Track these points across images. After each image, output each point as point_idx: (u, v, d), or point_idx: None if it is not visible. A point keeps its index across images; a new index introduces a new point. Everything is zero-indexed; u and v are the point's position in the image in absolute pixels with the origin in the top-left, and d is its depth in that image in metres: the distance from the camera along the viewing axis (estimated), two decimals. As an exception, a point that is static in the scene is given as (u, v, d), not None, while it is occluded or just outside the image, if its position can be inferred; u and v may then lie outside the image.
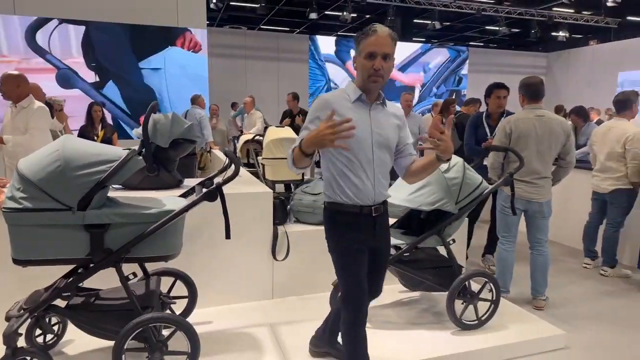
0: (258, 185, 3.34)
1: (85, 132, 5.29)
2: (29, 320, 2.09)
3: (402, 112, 2.10)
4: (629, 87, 13.17)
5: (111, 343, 2.31)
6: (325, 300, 2.92)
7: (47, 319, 2.34)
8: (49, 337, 2.40)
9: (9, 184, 1.95)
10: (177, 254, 2.18)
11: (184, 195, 2.49)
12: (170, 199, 2.31)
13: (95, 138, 5.28)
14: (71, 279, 2.11)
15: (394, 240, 2.82)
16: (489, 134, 3.95)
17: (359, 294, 1.97)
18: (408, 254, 2.77)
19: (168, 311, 2.47)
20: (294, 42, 14.46)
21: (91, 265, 2.06)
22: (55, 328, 2.42)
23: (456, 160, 2.78)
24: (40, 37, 7.33)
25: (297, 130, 5.33)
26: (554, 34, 15.09)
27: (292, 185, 5.25)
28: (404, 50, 15.17)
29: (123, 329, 2.01)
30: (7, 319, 2.03)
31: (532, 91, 3.30)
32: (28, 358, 2.05)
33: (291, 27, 15.91)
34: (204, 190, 2.24)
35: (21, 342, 2.07)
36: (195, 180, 3.31)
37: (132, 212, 2.04)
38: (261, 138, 6.12)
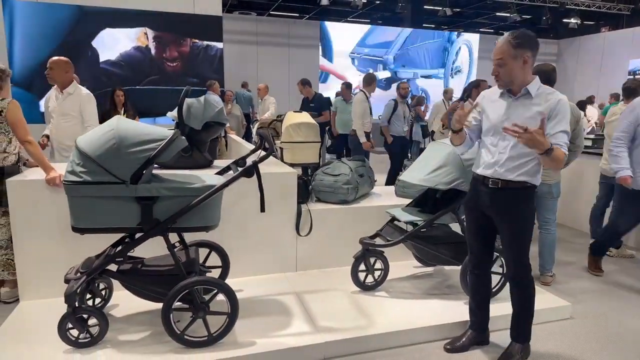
0: (283, 166, 3.54)
1: (108, 117, 5.47)
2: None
3: (556, 106, 2.20)
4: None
5: (153, 306, 2.57)
6: (344, 273, 3.15)
7: (96, 284, 2.57)
8: (97, 301, 2.64)
9: (69, 160, 2.16)
10: (216, 225, 2.39)
11: (219, 173, 2.69)
12: (208, 176, 2.52)
13: None
14: (122, 246, 2.34)
15: (411, 217, 3.03)
16: None
17: None
18: (425, 229, 2.96)
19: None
20: (304, 28, 14.51)
21: (141, 234, 2.28)
22: (103, 293, 2.66)
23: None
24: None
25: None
26: (565, 20, 15.03)
27: (309, 168, 5.46)
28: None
29: (172, 290, 2.23)
30: (67, 281, 2.27)
31: (545, 78, 3.42)
32: (85, 316, 2.29)
33: (300, 13, 15.92)
34: (239, 169, 2.45)
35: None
36: (222, 161, 3.52)
37: (178, 186, 2.24)
38: (279, 123, 6.31)
